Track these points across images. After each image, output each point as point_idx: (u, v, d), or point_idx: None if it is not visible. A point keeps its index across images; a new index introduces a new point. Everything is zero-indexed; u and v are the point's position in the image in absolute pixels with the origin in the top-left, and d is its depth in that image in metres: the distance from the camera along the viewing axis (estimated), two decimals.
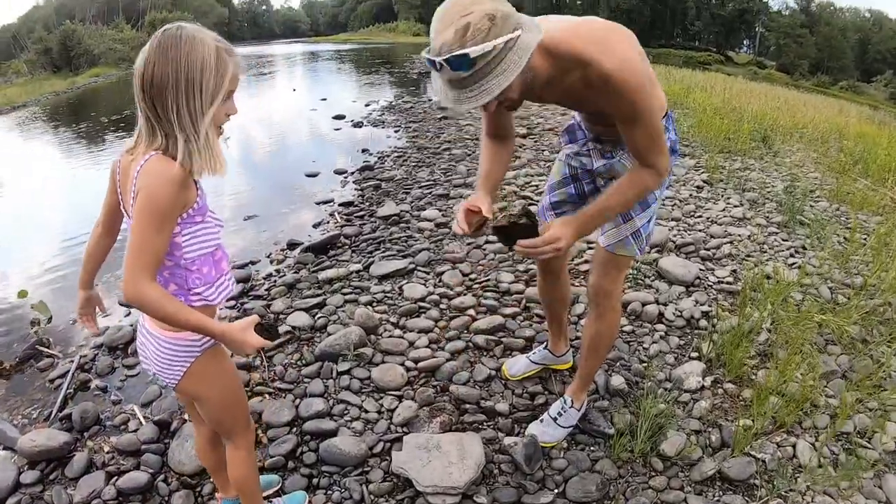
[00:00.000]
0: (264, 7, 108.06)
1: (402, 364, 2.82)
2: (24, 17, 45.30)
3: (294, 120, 10.33)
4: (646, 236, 2.06)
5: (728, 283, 3.66)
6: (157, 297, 1.25)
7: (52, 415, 2.65)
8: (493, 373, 2.78)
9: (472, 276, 3.63)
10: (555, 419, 2.38)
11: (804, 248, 4.33)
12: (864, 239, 4.48)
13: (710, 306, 3.39)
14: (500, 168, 1.98)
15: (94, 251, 1.61)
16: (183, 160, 1.25)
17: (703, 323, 3.23)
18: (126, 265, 1.23)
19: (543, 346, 2.75)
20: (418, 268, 3.72)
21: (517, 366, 2.74)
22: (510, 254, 3.80)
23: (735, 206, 5.04)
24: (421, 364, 2.80)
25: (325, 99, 12.49)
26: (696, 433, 2.44)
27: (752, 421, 2.45)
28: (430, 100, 11.16)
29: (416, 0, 75.03)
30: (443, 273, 3.63)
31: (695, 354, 2.96)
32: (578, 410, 2.41)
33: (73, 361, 3.04)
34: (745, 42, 63.24)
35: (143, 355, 1.52)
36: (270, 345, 2.92)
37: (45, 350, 3.21)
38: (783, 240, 4.46)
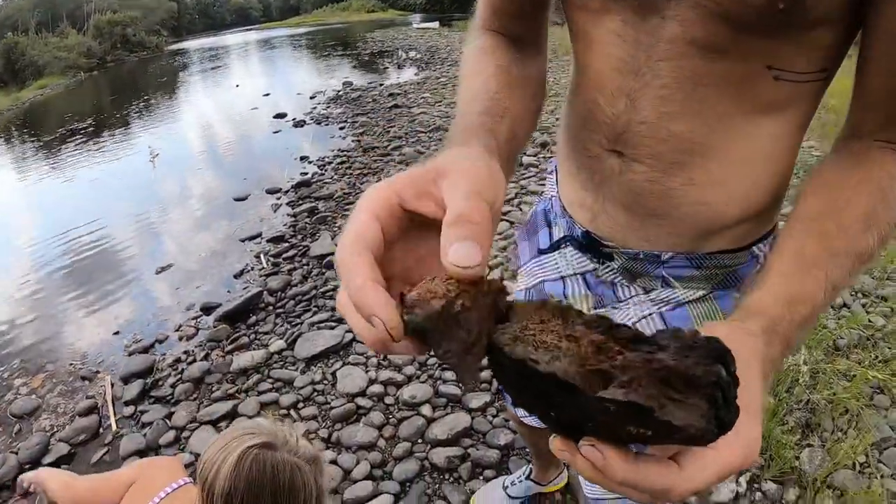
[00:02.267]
0: None
1: None
2: None
3: (231, 125, 9.27)
4: None
5: None
6: None
7: None
8: None
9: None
10: None
11: None
12: None
13: None
14: (520, 106, 0.69)
15: None
16: None
17: None
18: None
19: (525, 473, 1.91)
20: (356, 339, 2.85)
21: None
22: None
23: None
24: None
25: (268, 94, 11.39)
26: None
27: None
28: (380, 84, 10.16)
29: None
30: None
31: None
32: None
33: None
34: None
35: None
36: None
37: None
38: None
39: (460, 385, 2.42)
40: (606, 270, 0.88)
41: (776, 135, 0.71)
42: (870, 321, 2.82)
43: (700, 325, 0.83)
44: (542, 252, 1.00)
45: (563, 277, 0.96)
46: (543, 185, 0.90)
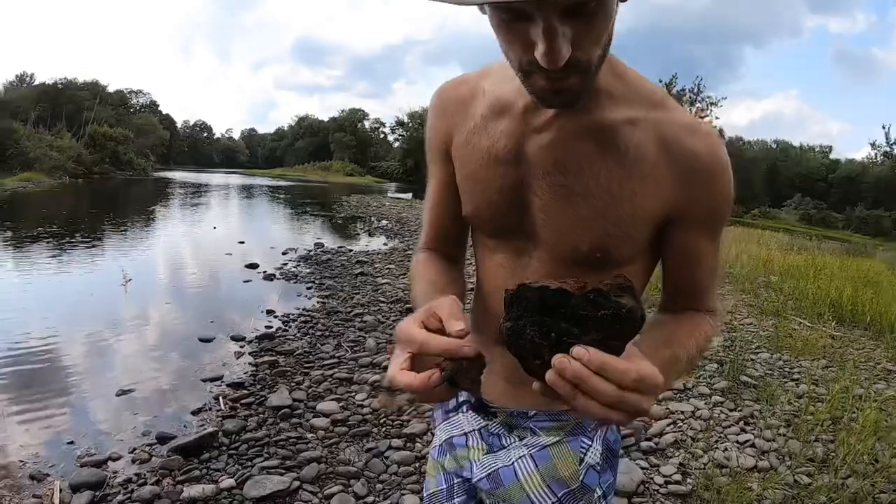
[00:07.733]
0: (206, 134, 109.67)
1: None
2: None
3: (204, 266, 9.71)
4: None
5: (676, 482, 3.25)
6: None
7: None
8: None
9: (369, 499, 3.06)
10: None
11: (753, 416, 4.11)
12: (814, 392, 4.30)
13: None
14: (457, 288, 1.18)
15: None
16: None
17: None
18: None
19: None
20: (304, 486, 3.13)
21: None
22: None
23: None
24: None
25: (243, 242, 12.01)
26: None
27: None
28: (350, 250, 10.86)
29: (350, 141, 77.96)
30: (332, 496, 3.05)
31: None
32: None
33: None
34: None
35: None
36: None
37: None
38: (730, 410, 4.22)
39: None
40: (494, 425, 1.28)
41: None
42: (795, 480, 3.15)
43: (557, 461, 1.22)
44: (447, 413, 1.39)
45: (465, 433, 1.34)
46: None
